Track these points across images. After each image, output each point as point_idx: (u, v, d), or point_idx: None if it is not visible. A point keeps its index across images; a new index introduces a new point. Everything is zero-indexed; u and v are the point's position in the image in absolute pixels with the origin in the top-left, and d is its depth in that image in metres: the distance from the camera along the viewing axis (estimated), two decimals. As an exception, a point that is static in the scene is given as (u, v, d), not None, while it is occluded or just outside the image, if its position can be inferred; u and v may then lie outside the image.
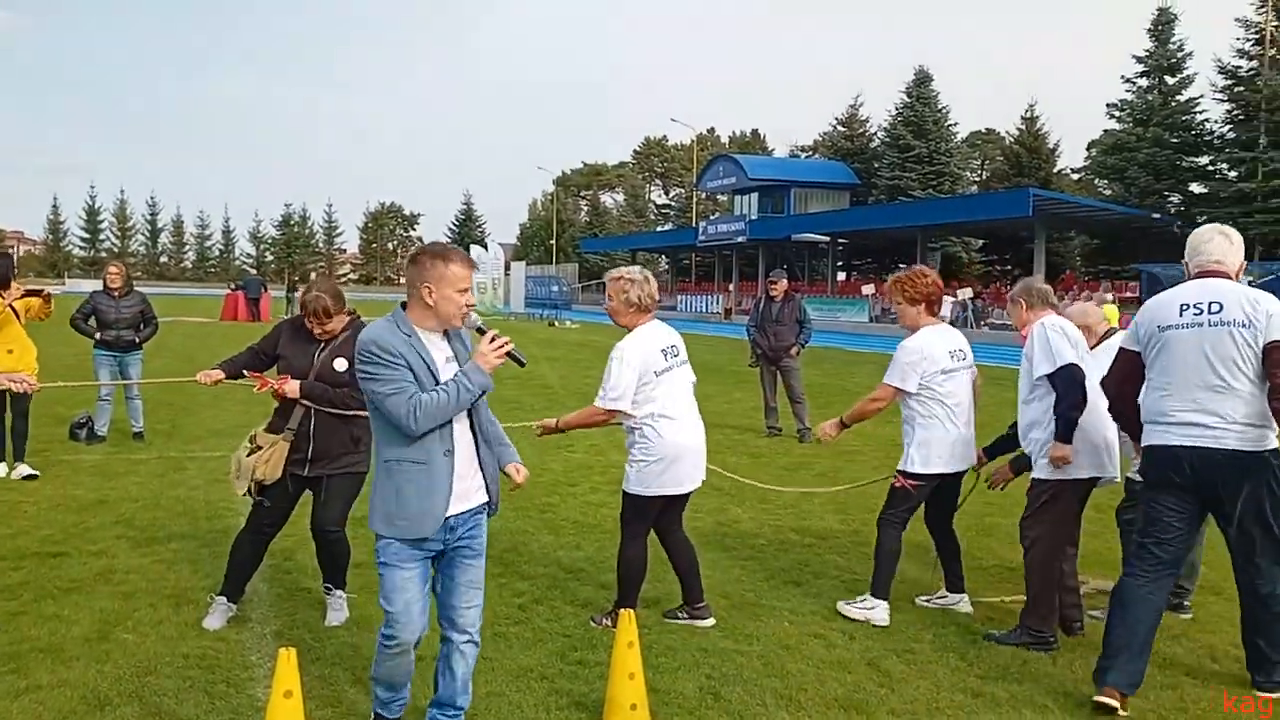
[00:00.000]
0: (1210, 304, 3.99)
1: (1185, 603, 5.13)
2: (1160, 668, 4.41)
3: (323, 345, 4.70)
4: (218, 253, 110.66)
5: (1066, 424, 4.49)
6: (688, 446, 4.66)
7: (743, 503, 7.62)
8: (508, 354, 3.37)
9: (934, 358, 4.86)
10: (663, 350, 4.64)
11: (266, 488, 4.59)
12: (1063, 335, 4.63)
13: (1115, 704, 3.88)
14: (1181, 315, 4.03)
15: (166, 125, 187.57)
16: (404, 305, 3.37)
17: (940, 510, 5.17)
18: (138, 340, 9.68)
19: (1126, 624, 4.03)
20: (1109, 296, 30.78)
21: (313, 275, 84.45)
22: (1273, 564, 4.01)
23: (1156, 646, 4.64)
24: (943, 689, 4.14)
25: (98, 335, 9.44)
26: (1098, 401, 4.56)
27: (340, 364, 4.65)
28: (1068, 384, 4.49)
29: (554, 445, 9.75)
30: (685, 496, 4.81)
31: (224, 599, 4.74)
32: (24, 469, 7.88)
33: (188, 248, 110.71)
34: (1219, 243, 4.18)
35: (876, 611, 4.89)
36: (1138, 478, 4.63)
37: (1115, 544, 5.41)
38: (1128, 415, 4.30)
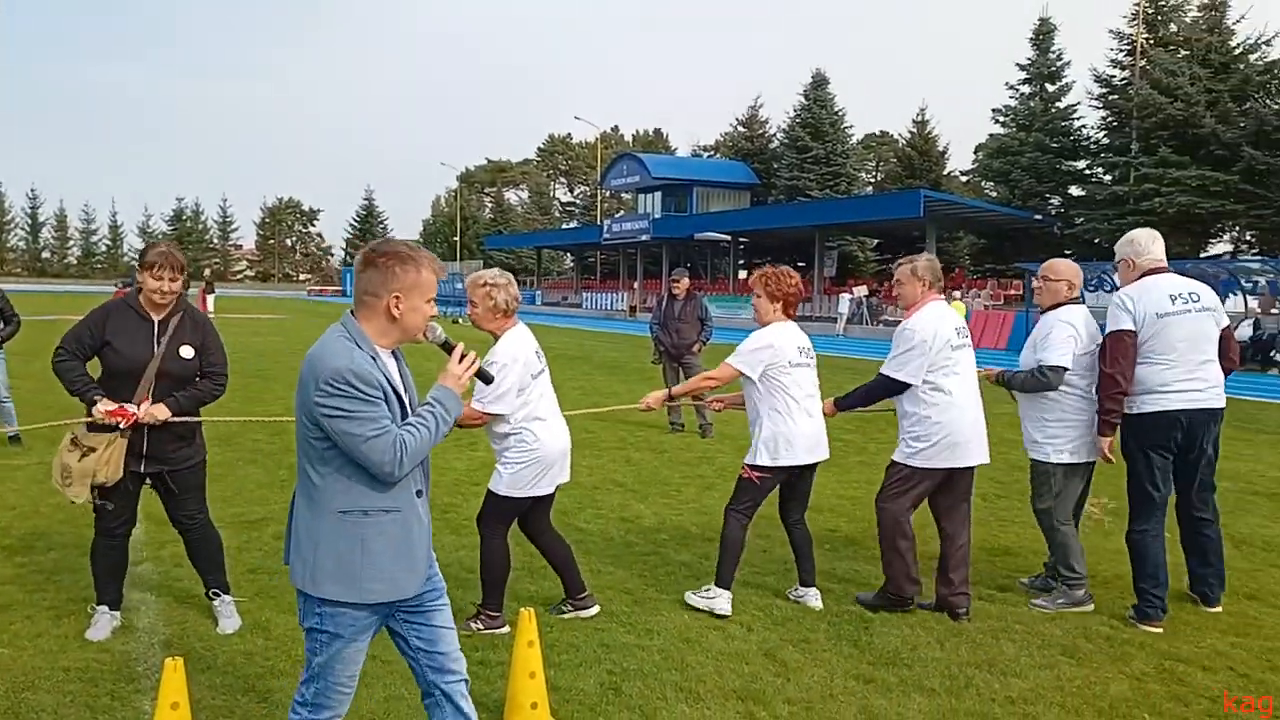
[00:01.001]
0: (1190, 294, 5.03)
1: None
2: (1040, 648, 4.64)
3: (157, 329, 4.37)
4: (104, 248, 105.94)
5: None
6: (560, 449, 4.70)
7: (646, 499, 7.70)
8: (475, 373, 2.98)
9: (781, 350, 4.96)
10: (536, 352, 4.65)
11: (108, 490, 4.34)
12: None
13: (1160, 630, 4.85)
14: (1174, 304, 4.99)
15: (47, 115, 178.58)
16: (352, 314, 2.84)
17: (792, 503, 5.22)
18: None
19: (1160, 564, 5.01)
20: (956, 295, 32.48)
21: (206, 272, 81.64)
22: (1209, 493, 5.21)
23: (1038, 628, 4.91)
24: (836, 676, 4.28)
25: None
26: (971, 398, 5.07)
27: (187, 351, 4.42)
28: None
29: (455, 444, 9.67)
30: (552, 495, 4.85)
31: (105, 608, 4.54)
32: None
33: (72, 243, 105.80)
34: (1159, 245, 5.20)
35: (718, 600, 4.97)
36: (1054, 462, 5.19)
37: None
38: (1123, 390, 4.97)
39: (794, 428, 4.94)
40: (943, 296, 5.23)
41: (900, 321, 5.19)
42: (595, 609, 4.91)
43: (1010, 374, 5.36)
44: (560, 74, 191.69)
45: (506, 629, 4.61)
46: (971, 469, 5.16)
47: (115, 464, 4.29)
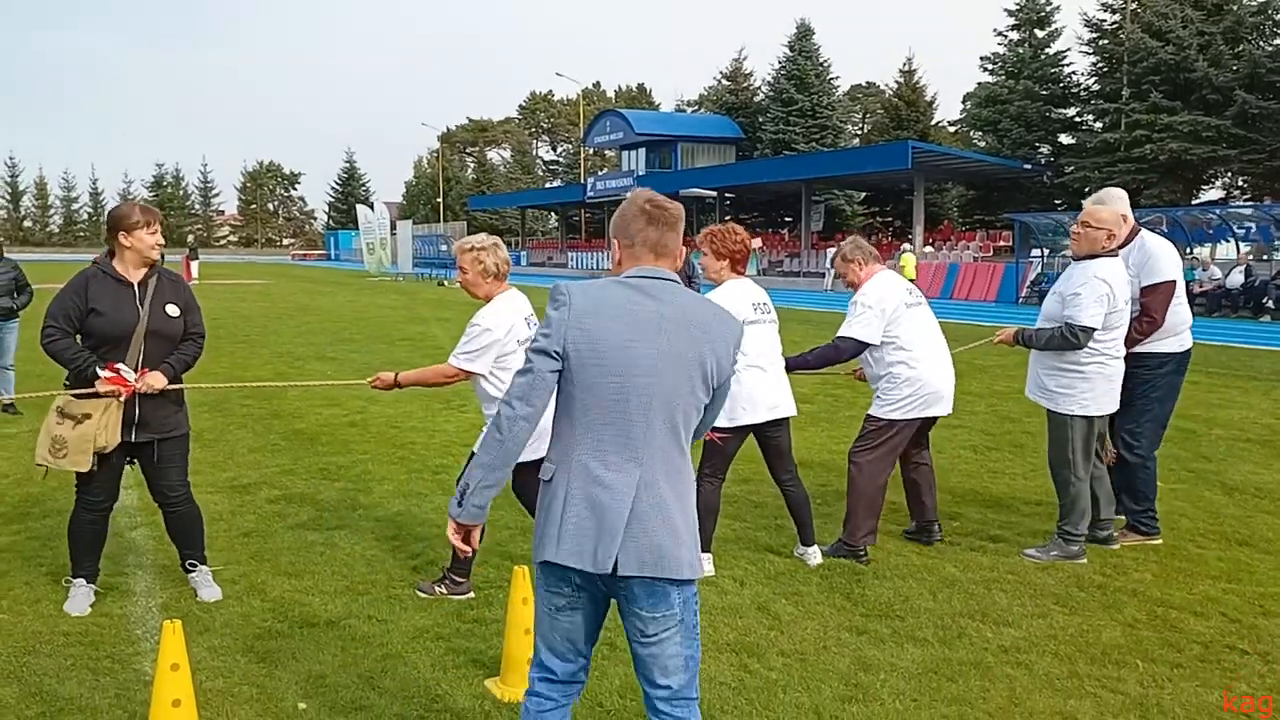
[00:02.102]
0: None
1: (1115, 533, 5.51)
2: (1032, 598, 4.70)
3: (138, 291, 4.32)
4: (86, 216, 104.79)
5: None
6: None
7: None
8: None
9: (735, 309, 4.89)
10: (526, 319, 4.58)
11: (102, 459, 4.30)
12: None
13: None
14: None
15: (23, 81, 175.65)
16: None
17: (776, 463, 5.20)
18: (14, 307, 9.25)
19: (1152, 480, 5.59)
20: (907, 248, 33.02)
21: (189, 239, 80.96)
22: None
23: (1030, 578, 4.95)
24: (830, 628, 4.33)
25: None
26: (937, 350, 5.29)
27: (173, 310, 4.38)
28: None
29: (446, 405, 9.68)
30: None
31: (82, 581, 4.50)
32: None
33: (53, 211, 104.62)
34: None
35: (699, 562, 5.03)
36: (1071, 414, 5.21)
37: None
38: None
39: (750, 386, 4.90)
40: (883, 265, 5.42)
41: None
42: None
43: (1030, 332, 5.30)
44: (541, 30, 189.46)
45: (470, 594, 4.60)
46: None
47: (114, 428, 4.25)
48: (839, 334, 5.30)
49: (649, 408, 2.48)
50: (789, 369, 5.30)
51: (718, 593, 4.73)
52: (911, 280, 30.84)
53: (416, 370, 4.73)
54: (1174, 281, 5.38)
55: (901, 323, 5.21)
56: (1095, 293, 5.01)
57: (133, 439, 4.35)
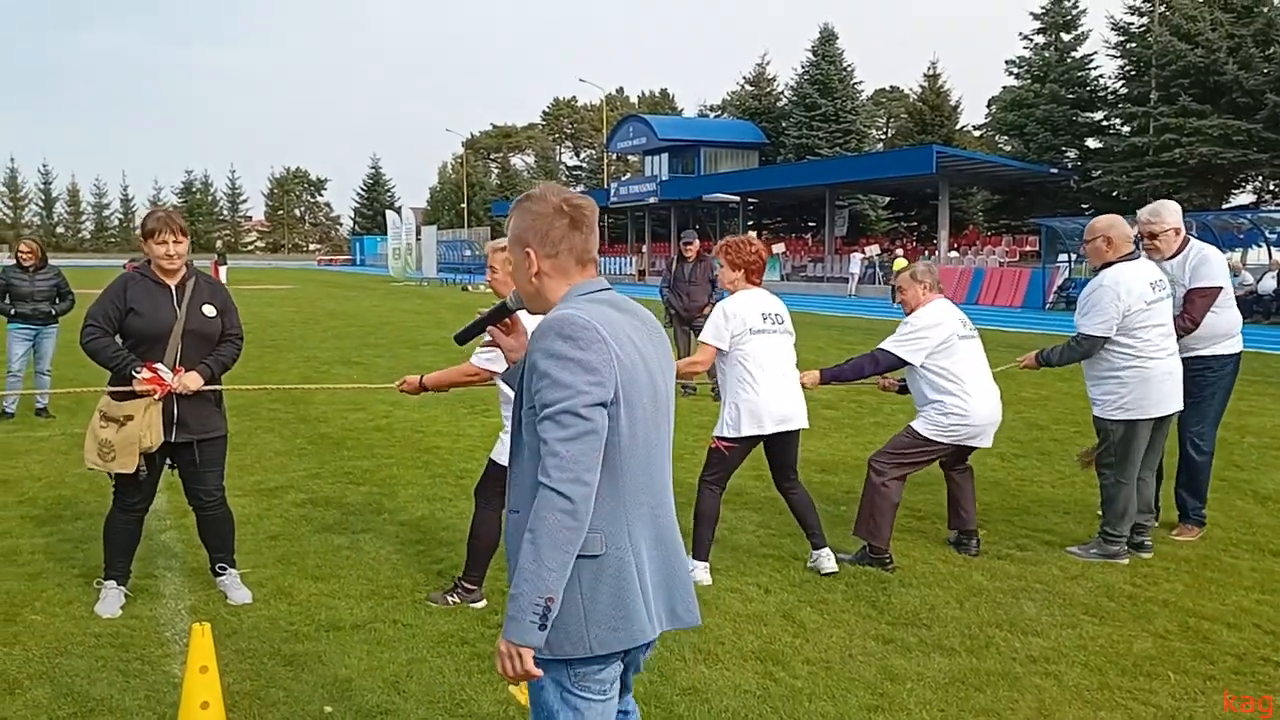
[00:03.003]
0: None
1: (1147, 541, 5.51)
2: (1061, 607, 4.66)
3: (175, 294, 4.38)
4: (117, 222, 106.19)
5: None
6: None
7: (661, 462, 7.71)
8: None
9: (744, 318, 4.92)
10: None
11: (148, 457, 4.35)
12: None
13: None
14: None
15: (56, 90, 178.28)
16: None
17: (779, 472, 5.17)
18: (54, 313, 9.41)
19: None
20: (899, 253, 33.57)
21: (218, 244, 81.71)
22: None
23: (1059, 587, 4.91)
24: (855, 637, 4.30)
25: (12, 310, 9.20)
26: (987, 385, 5.29)
27: (210, 310, 4.43)
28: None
29: (471, 410, 9.71)
30: None
31: (113, 583, 4.54)
32: None
33: (85, 218, 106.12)
34: None
35: (696, 573, 4.93)
36: (1111, 419, 5.28)
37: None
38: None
39: (757, 398, 4.87)
40: (943, 296, 5.42)
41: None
42: None
43: (1046, 354, 5.51)
44: (564, 36, 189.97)
45: (484, 603, 4.59)
46: None
47: (157, 428, 4.30)
48: (881, 346, 5.30)
49: (669, 433, 2.24)
50: (824, 381, 5.30)
51: (742, 600, 4.71)
52: None
53: (441, 372, 4.76)
54: (1221, 288, 5.52)
55: (955, 354, 5.19)
56: (1099, 300, 5.16)
57: (173, 439, 4.39)
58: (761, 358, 4.90)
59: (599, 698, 2.11)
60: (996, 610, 4.61)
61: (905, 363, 5.26)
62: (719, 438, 4.99)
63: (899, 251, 36.17)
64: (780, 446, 5.07)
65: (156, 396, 4.28)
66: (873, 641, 4.25)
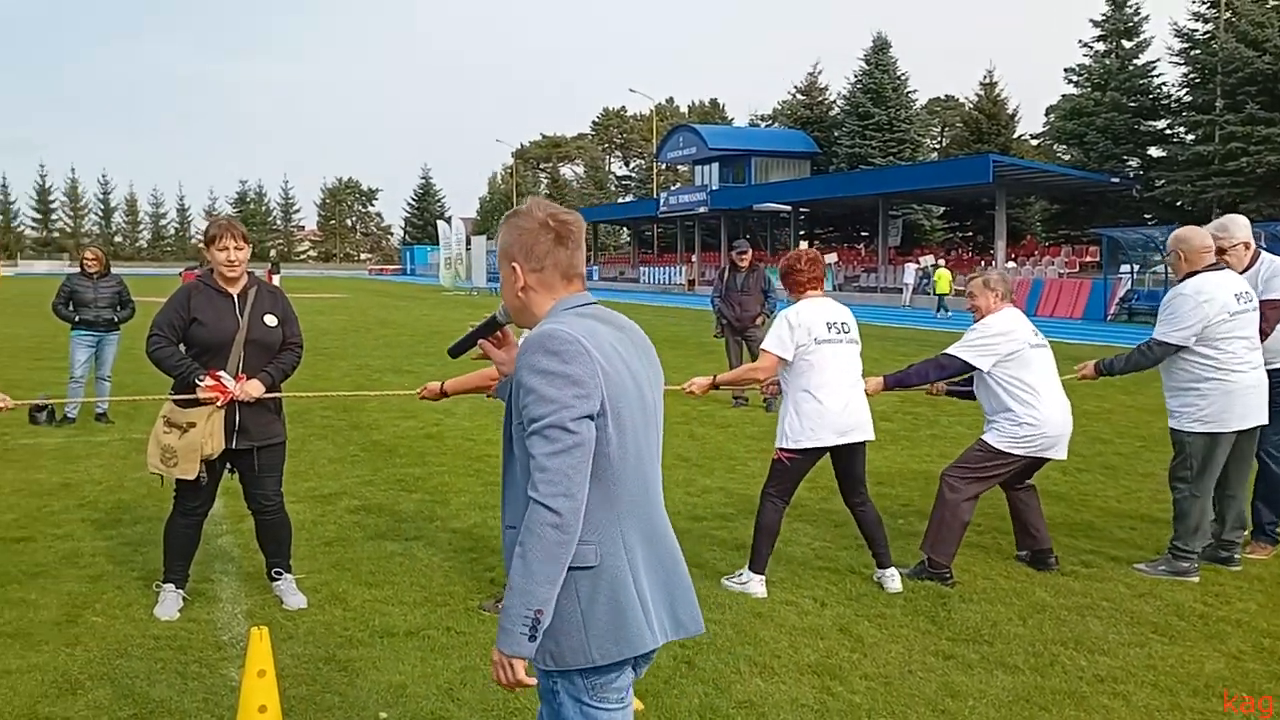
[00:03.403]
0: None
1: (1236, 555, 5.42)
2: (1129, 626, 4.52)
3: (237, 302, 4.43)
4: (173, 231, 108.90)
5: None
6: None
7: (711, 473, 7.66)
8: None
9: (808, 327, 4.84)
10: None
11: (209, 464, 4.41)
12: None
13: None
14: None
15: (116, 102, 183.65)
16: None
17: (846, 486, 5.07)
18: (116, 320, 9.61)
19: None
20: (940, 263, 33.53)
21: (271, 253, 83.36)
22: None
23: (1126, 605, 4.77)
24: (914, 652, 4.20)
25: (76, 318, 9.39)
26: (1058, 395, 5.14)
27: (271, 320, 4.49)
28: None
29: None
30: None
31: (171, 586, 4.60)
32: None
33: (142, 227, 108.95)
34: None
35: (751, 585, 4.89)
36: (1189, 432, 5.16)
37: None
38: None
39: (821, 407, 4.79)
40: (1014, 305, 5.30)
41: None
42: None
43: (1108, 363, 5.40)
44: (614, 46, 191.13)
45: None
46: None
47: (218, 435, 4.36)
48: (948, 350, 5.19)
49: (659, 443, 2.25)
50: (887, 388, 5.20)
51: (798, 613, 4.64)
52: (945, 294, 30.53)
53: (462, 377, 4.76)
54: None
55: (1027, 364, 5.07)
56: (1178, 308, 5.10)
57: (233, 446, 4.45)
58: (826, 367, 4.82)
59: (617, 706, 2.14)
60: (1061, 628, 4.48)
61: (972, 368, 5.13)
62: (781, 449, 4.92)
63: (941, 263, 35.95)
64: (846, 459, 4.99)
65: (219, 403, 4.33)
66: (933, 657, 4.15)
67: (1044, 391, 5.07)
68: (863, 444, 4.97)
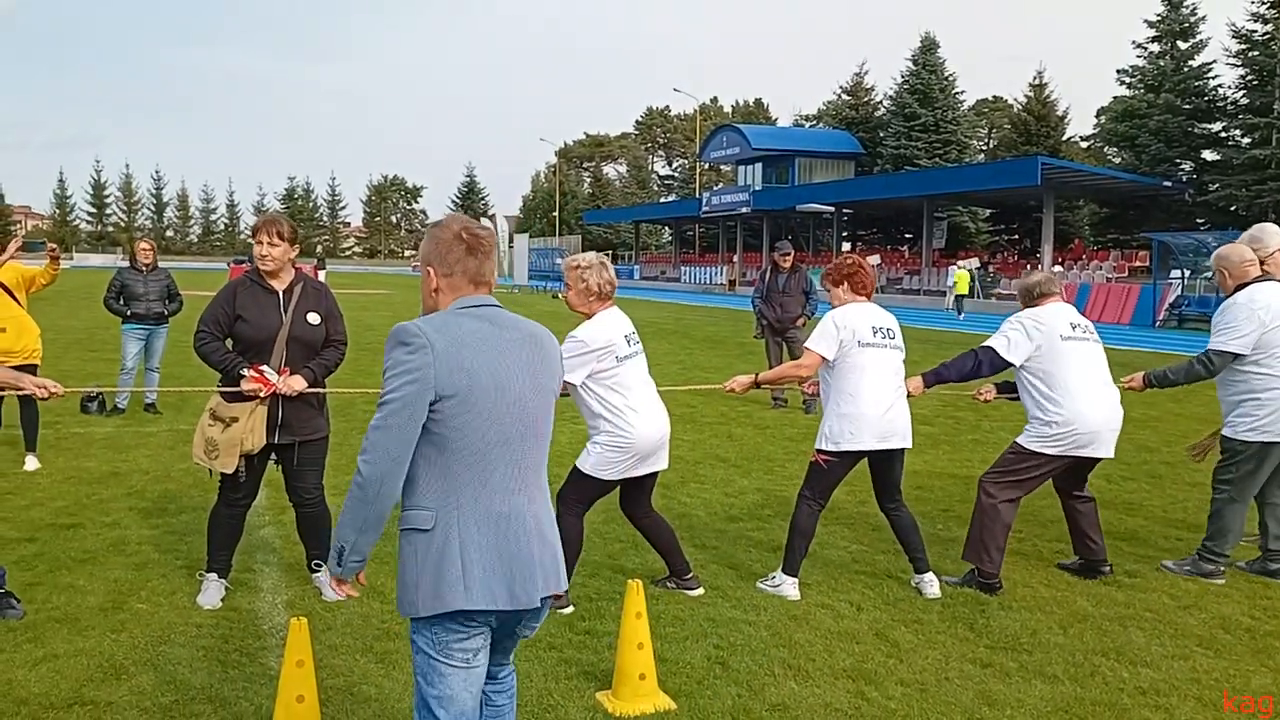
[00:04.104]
0: None
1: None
2: (1173, 638, 4.44)
3: (282, 299, 4.51)
4: (222, 226, 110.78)
5: None
6: (654, 438, 4.55)
7: (749, 474, 7.63)
8: None
9: (854, 329, 4.80)
10: (625, 336, 4.54)
11: (250, 457, 4.49)
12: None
13: None
14: None
15: (169, 99, 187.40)
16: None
17: (883, 492, 5.03)
18: (165, 313, 9.80)
19: None
20: (960, 265, 33.59)
21: (318, 249, 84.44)
22: None
23: (1170, 617, 4.68)
24: (952, 659, 4.15)
25: (128, 311, 9.57)
26: (1098, 390, 4.99)
27: (314, 318, 4.55)
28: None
29: (559, 417, 9.77)
30: (652, 478, 4.75)
31: (214, 575, 4.68)
32: (32, 462, 7.31)
33: (193, 222, 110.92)
34: None
35: (784, 587, 4.84)
36: (1242, 440, 5.13)
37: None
38: None
39: (862, 411, 4.74)
40: (1061, 299, 5.19)
41: (1014, 296, 5.18)
42: (700, 590, 4.85)
43: (1158, 374, 5.33)
44: (659, 46, 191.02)
45: (570, 609, 4.56)
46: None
47: (259, 431, 4.44)
48: (983, 344, 5.13)
49: (525, 433, 2.47)
50: (927, 385, 5.15)
51: (834, 617, 4.60)
52: (963, 294, 30.43)
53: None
54: None
55: (1060, 358, 4.95)
56: (1235, 316, 5.06)
57: (275, 440, 4.52)
58: (870, 371, 4.79)
59: (461, 665, 2.41)
60: (1103, 638, 4.40)
61: (1007, 361, 5.03)
62: (819, 450, 4.89)
63: (961, 263, 36.18)
64: (883, 465, 4.95)
65: (263, 394, 4.41)
66: (970, 665, 4.10)
67: (1077, 387, 4.93)
68: (901, 451, 4.93)
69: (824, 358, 4.85)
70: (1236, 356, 5.07)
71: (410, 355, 2.36)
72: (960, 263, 36.57)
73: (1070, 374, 4.94)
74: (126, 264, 9.95)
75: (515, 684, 2.76)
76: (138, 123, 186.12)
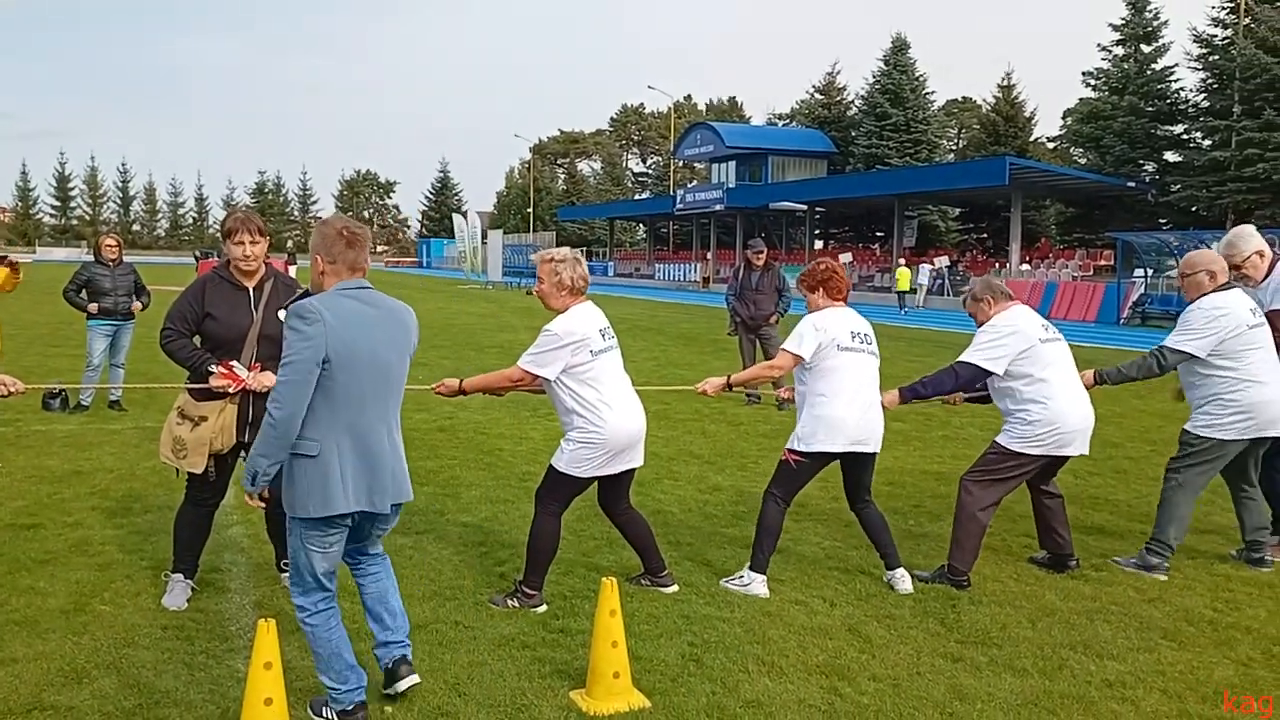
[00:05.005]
0: None
1: (1267, 557, 5.47)
2: (1138, 631, 4.49)
3: (252, 296, 4.42)
4: (191, 220, 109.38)
5: None
6: (629, 434, 4.52)
7: (723, 470, 7.64)
8: None
9: (831, 332, 4.82)
10: (600, 330, 4.52)
11: (219, 459, 4.41)
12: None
13: None
14: None
15: (137, 91, 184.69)
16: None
17: (851, 489, 5.05)
18: (134, 308, 9.65)
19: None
20: (901, 261, 34.25)
21: (289, 244, 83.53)
22: None
23: (1135, 610, 4.74)
24: (923, 654, 4.18)
25: (93, 306, 9.40)
26: (1074, 389, 5.08)
27: (285, 315, 4.51)
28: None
29: (534, 414, 9.74)
30: (629, 474, 4.72)
31: (180, 576, 4.59)
32: None
33: (160, 216, 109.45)
34: None
35: (754, 585, 4.84)
36: (1199, 435, 5.27)
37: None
38: None
39: (836, 414, 4.76)
40: (1017, 302, 5.23)
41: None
42: (674, 588, 4.83)
43: (1106, 373, 5.43)
44: (633, 43, 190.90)
45: (543, 608, 4.54)
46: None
47: (229, 430, 4.37)
48: (960, 359, 5.13)
49: (389, 386, 3.37)
50: (903, 400, 5.16)
51: (806, 613, 4.62)
52: (905, 291, 31.38)
53: (482, 375, 4.76)
54: None
55: (1038, 359, 5.00)
56: (1196, 320, 5.19)
57: (246, 439, 4.45)
58: (847, 375, 4.80)
59: (321, 549, 3.36)
60: (1070, 631, 4.45)
61: (988, 373, 5.06)
62: (790, 450, 4.89)
63: (900, 261, 37.45)
64: (855, 467, 4.97)
65: (232, 390, 4.33)
66: (941, 659, 4.12)
67: (1057, 386, 5.00)
68: (872, 455, 4.95)
69: (799, 359, 4.85)
70: (1191, 357, 5.20)
71: (308, 327, 3.16)
72: (900, 261, 37.59)
73: (1050, 375, 5.01)
74: (92, 258, 9.79)
75: (389, 562, 3.83)
76: (104, 115, 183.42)
